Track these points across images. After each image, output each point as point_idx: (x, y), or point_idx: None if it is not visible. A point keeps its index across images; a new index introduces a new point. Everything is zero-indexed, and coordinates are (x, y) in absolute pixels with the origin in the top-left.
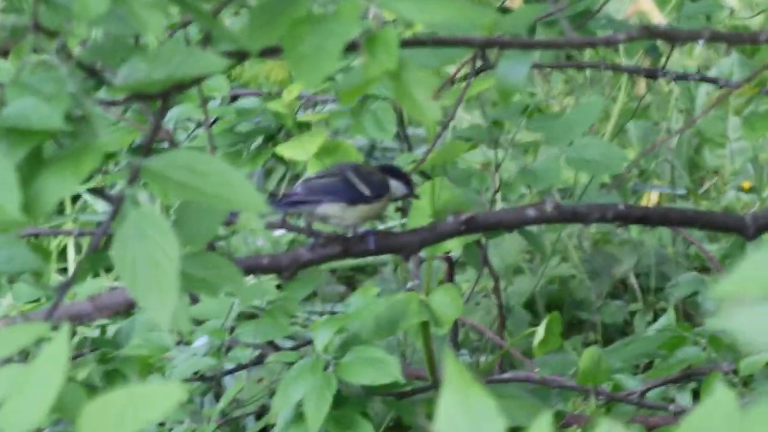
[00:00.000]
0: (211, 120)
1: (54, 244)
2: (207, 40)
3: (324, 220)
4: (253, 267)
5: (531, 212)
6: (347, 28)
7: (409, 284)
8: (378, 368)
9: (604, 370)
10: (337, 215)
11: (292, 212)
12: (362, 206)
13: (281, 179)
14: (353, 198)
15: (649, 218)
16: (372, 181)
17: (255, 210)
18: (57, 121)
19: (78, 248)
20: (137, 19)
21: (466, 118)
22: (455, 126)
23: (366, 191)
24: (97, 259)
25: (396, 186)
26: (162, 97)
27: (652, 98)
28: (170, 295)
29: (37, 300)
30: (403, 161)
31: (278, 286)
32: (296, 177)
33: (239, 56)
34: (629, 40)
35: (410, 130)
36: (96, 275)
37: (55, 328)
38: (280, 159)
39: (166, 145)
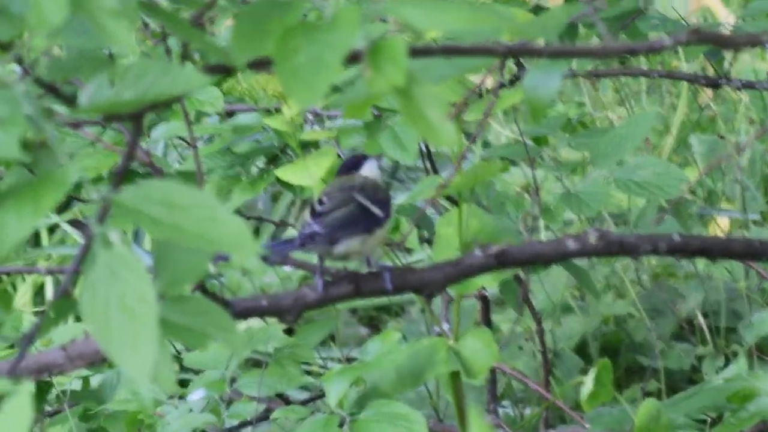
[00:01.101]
0: (205, 138)
1: (30, 282)
2: (186, 53)
3: (343, 258)
4: (250, 310)
5: (571, 244)
6: (347, 38)
7: (437, 328)
8: (400, 426)
9: (665, 425)
10: (356, 250)
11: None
12: (379, 231)
13: (290, 206)
14: (370, 226)
15: (709, 250)
16: (379, 197)
17: (245, 252)
18: (12, 149)
19: (58, 285)
20: (102, 29)
21: (504, 134)
22: (489, 142)
23: (379, 212)
24: (66, 306)
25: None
26: (134, 119)
27: (718, 108)
28: (148, 347)
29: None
30: (428, 184)
31: (289, 330)
32: (306, 204)
33: (224, 70)
34: (677, 45)
35: (436, 147)
36: (77, 319)
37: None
38: (286, 183)
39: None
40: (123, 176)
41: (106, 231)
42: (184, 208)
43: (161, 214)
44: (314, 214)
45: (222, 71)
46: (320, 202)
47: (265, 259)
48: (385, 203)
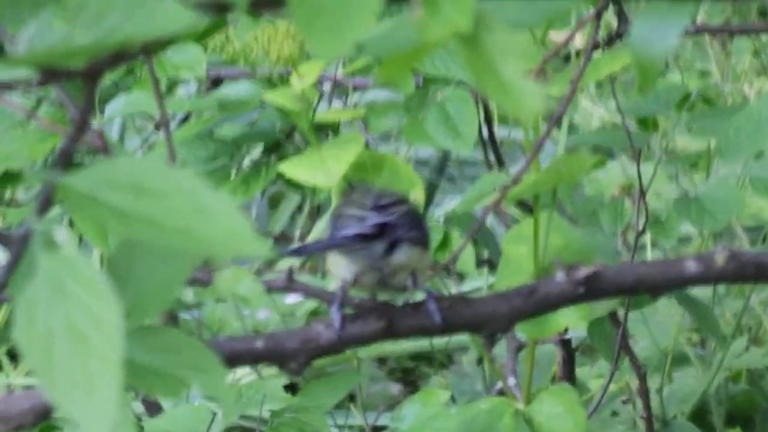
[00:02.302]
0: (178, 117)
1: None
2: None
3: (392, 276)
4: (240, 355)
5: (691, 266)
6: None
7: (500, 384)
8: None
9: None
10: (412, 263)
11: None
12: (427, 249)
13: (295, 213)
14: (425, 237)
15: None
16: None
17: (251, 253)
18: None
19: None
20: None
21: (597, 114)
22: (576, 126)
23: (425, 227)
24: None
25: None
26: (90, 76)
27: None
28: (108, 397)
29: None
30: (490, 182)
31: (291, 386)
32: (318, 210)
33: (218, 10)
34: None
35: (502, 132)
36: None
37: None
38: (292, 182)
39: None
40: (68, 157)
41: (48, 228)
42: (162, 194)
43: (128, 203)
44: (375, 208)
45: (217, 11)
46: (368, 200)
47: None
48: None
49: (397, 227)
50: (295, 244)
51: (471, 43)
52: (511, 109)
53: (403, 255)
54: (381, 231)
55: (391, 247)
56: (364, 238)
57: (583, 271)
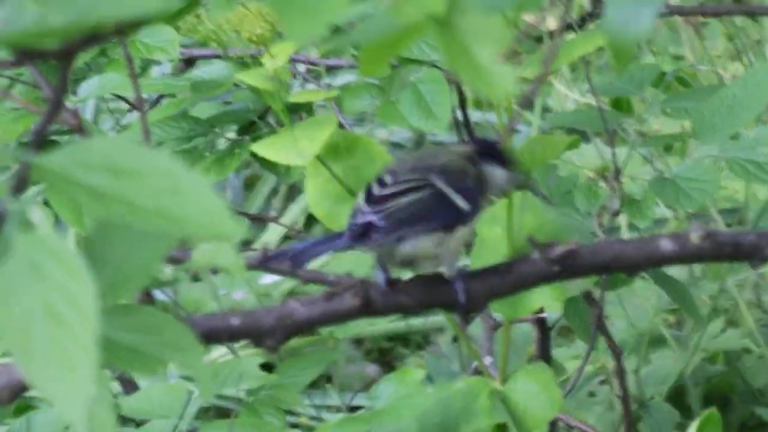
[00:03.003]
0: (153, 99)
1: None
2: None
3: (408, 264)
4: (216, 332)
5: (666, 244)
6: None
7: (476, 364)
8: None
9: None
10: (428, 253)
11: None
12: (462, 230)
13: (271, 194)
14: (450, 221)
15: None
16: (465, 185)
17: (227, 236)
18: None
19: None
20: None
21: (571, 97)
22: (550, 108)
23: (464, 205)
24: None
25: (495, 175)
26: (63, 56)
27: None
28: (84, 376)
29: None
30: None
31: (267, 365)
32: (293, 191)
33: None
34: None
35: (476, 115)
36: None
37: None
38: (267, 162)
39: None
40: (42, 136)
41: (24, 208)
42: (138, 175)
43: (104, 184)
44: (370, 199)
45: None
46: (381, 182)
47: (268, 263)
48: (472, 194)
49: (400, 222)
50: (285, 247)
51: (445, 27)
52: (484, 91)
53: (410, 246)
54: (365, 231)
55: (398, 239)
56: (361, 235)
57: (559, 250)
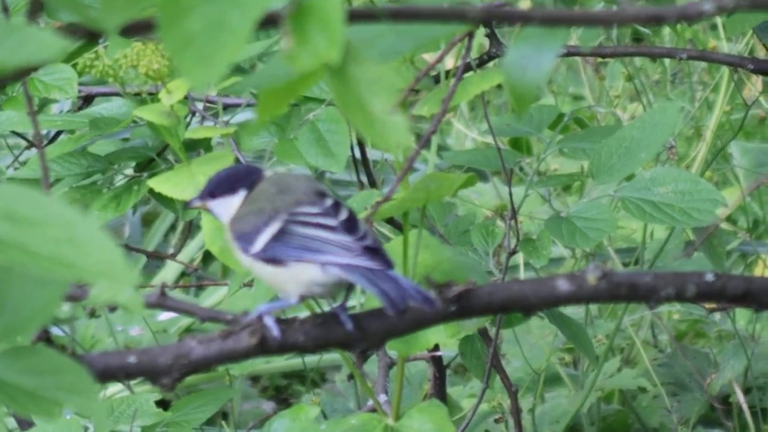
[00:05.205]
0: (51, 135)
1: None
2: (36, 8)
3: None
4: (113, 369)
5: (563, 285)
6: None
7: (371, 401)
8: None
9: None
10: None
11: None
12: None
13: (168, 231)
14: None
15: (755, 297)
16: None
17: (119, 282)
18: None
19: None
20: None
21: (470, 135)
22: (448, 147)
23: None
24: None
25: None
26: None
27: None
28: None
29: None
30: (362, 201)
31: (163, 402)
32: (191, 227)
33: (90, 36)
34: (721, 12)
35: (374, 154)
36: None
37: None
38: (165, 199)
39: None
40: None
41: None
42: (36, 223)
43: (2, 231)
44: (348, 228)
45: (86, 35)
46: (326, 213)
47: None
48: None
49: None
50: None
51: (340, 76)
52: (377, 142)
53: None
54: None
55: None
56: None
57: (455, 290)
